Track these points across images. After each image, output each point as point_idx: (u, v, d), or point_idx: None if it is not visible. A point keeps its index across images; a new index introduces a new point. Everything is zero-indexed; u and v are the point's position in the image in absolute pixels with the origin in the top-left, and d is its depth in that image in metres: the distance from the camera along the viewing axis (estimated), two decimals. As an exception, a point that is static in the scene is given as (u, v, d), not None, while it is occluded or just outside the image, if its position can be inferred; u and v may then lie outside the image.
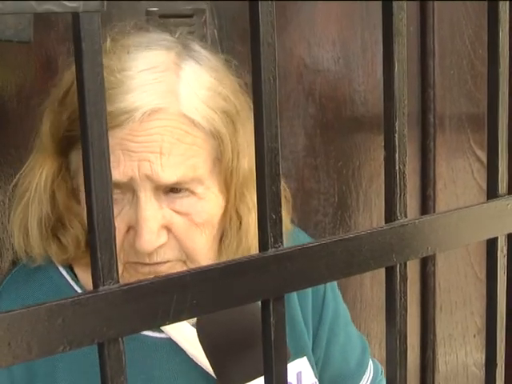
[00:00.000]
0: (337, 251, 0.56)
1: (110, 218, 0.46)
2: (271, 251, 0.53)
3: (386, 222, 0.61)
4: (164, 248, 0.92)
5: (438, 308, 1.58)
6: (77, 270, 1.02)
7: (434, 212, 1.52)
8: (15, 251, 1.00)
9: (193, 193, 0.91)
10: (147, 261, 0.91)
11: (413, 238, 0.61)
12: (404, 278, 0.62)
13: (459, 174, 1.54)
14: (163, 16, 1.24)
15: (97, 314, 0.45)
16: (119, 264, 0.91)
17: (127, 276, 0.93)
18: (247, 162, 0.94)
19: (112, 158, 0.85)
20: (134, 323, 0.47)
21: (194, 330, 0.98)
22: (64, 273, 1.01)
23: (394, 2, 0.57)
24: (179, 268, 0.94)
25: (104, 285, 0.46)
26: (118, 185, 0.88)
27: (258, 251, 0.53)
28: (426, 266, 1.54)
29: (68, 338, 0.44)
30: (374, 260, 0.59)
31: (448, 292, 1.58)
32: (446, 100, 1.50)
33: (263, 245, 0.53)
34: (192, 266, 0.94)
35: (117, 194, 0.89)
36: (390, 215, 0.61)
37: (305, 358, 0.90)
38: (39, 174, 0.96)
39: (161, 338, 1.00)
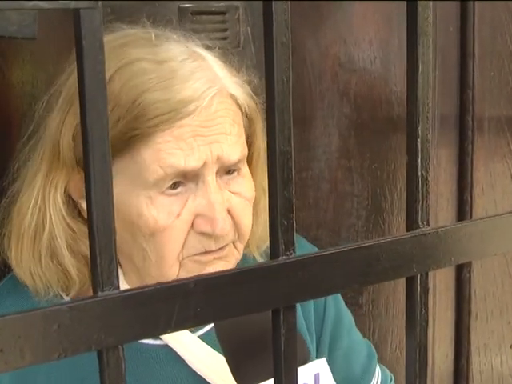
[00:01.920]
0: (353, 260, 0.54)
1: (111, 222, 0.44)
2: (282, 259, 0.51)
3: (407, 231, 0.58)
4: (228, 230, 0.93)
5: (474, 316, 1.54)
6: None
7: (471, 217, 1.49)
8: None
9: (239, 172, 0.94)
10: (213, 247, 0.91)
11: (435, 247, 0.58)
12: (425, 289, 0.59)
13: (498, 179, 1.50)
14: (196, 13, 1.23)
15: (95, 321, 0.43)
16: (175, 265, 0.91)
17: (184, 274, 0.91)
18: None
19: (185, 146, 0.87)
20: (134, 330, 0.45)
21: (192, 337, 0.97)
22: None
23: (418, 1, 0.55)
24: (233, 251, 0.95)
25: (103, 290, 0.44)
26: (187, 174, 0.88)
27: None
28: (462, 273, 1.51)
29: (64, 345, 0.43)
30: (393, 270, 0.57)
31: (484, 300, 1.54)
32: (486, 102, 1.46)
33: (274, 252, 0.51)
34: (240, 246, 0.95)
35: (179, 188, 0.89)
36: (411, 223, 0.58)
37: (324, 360, 0.88)
38: (52, 198, 0.92)
39: (158, 345, 0.98)
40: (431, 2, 0.56)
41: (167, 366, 0.98)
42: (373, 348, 1.16)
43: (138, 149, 0.87)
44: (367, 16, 1.37)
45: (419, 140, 0.57)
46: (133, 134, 0.86)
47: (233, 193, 0.93)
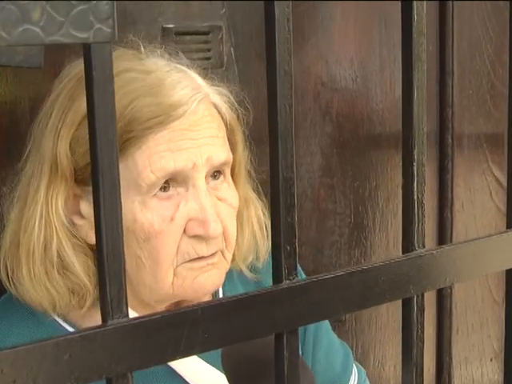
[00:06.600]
0: (352, 283, 0.55)
1: (120, 249, 0.44)
2: (285, 283, 0.51)
3: (403, 253, 0.59)
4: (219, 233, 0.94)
5: (455, 330, 1.55)
6: (73, 318, 0.97)
7: (451, 233, 1.51)
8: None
9: (225, 177, 0.96)
10: (205, 252, 0.93)
11: (430, 268, 0.59)
12: (421, 310, 0.60)
13: (477, 195, 1.52)
14: (179, 33, 1.23)
15: (105, 349, 0.44)
16: (169, 272, 0.92)
17: (179, 283, 0.92)
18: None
19: (175, 148, 0.90)
20: (143, 358, 0.45)
21: (193, 357, 0.97)
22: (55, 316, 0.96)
23: (413, 28, 0.56)
24: (222, 259, 0.96)
25: (113, 319, 0.44)
26: (177, 176, 0.90)
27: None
28: (443, 289, 1.52)
29: (75, 374, 0.43)
30: (390, 292, 0.58)
31: (464, 314, 1.55)
32: (465, 120, 1.48)
33: (277, 277, 0.52)
34: (228, 255, 0.96)
35: (170, 190, 0.91)
36: (407, 246, 0.59)
37: None
38: (52, 212, 0.92)
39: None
40: (425, 28, 0.57)
41: (166, 382, 0.97)
42: (347, 347, 1.18)
43: (131, 154, 0.89)
44: (348, 35, 1.38)
45: (415, 164, 0.58)
46: (127, 137, 0.88)
47: (219, 199, 0.95)
